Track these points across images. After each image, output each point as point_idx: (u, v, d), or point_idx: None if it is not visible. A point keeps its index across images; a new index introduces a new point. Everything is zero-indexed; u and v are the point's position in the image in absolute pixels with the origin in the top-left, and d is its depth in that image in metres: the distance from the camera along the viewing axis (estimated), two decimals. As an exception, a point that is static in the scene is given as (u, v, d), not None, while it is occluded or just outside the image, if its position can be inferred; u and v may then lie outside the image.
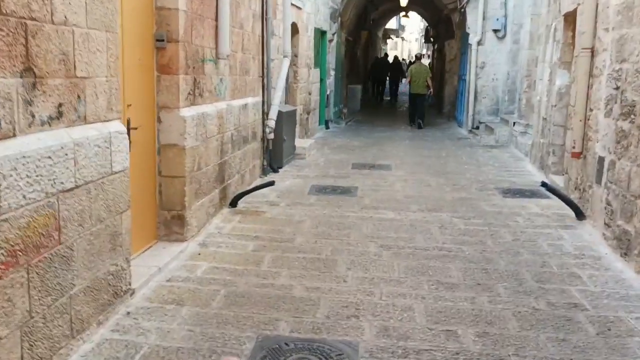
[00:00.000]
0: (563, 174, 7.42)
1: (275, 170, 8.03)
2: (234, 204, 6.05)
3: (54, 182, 2.84)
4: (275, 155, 8.18)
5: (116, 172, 3.49)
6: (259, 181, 7.38)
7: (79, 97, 3.11)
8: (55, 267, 2.87)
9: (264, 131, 7.64)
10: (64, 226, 2.93)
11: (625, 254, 4.72)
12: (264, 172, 7.73)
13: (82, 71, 3.13)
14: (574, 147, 6.16)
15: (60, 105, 2.94)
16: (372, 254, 4.87)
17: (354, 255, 4.80)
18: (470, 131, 13.06)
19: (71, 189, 3.00)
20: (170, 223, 4.78)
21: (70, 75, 3.02)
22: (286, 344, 3.31)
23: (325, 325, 3.54)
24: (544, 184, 6.11)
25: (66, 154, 2.94)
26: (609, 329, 3.62)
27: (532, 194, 7.13)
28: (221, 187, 5.80)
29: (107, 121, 3.42)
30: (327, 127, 13.37)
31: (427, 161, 9.52)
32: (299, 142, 9.51)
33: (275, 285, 4.13)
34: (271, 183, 6.29)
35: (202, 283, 4.12)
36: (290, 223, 5.67)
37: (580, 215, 5.91)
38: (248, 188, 6.31)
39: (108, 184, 3.40)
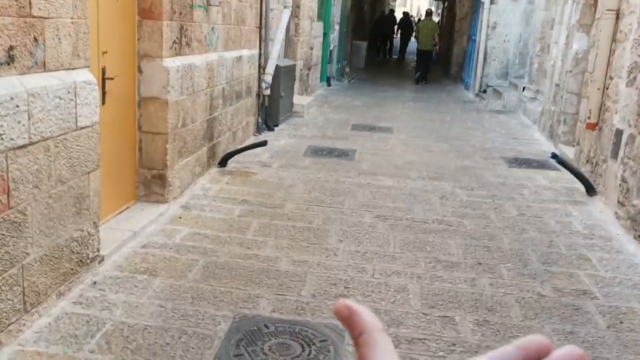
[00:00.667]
0: (574, 145, 7.03)
1: (270, 129, 7.63)
2: (223, 163, 5.68)
3: (2, 138, 2.47)
4: (271, 112, 7.77)
5: (82, 128, 3.11)
6: (252, 139, 6.99)
7: (35, 40, 2.70)
8: (3, 235, 2.52)
9: (259, 86, 7.20)
10: (14, 188, 2.57)
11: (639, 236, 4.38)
12: (259, 130, 7.34)
13: (41, 10, 2.72)
14: (589, 118, 5.75)
15: (11, 48, 2.53)
16: (367, 224, 4.53)
17: (347, 226, 4.46)
18: (477, 94, 12.58)
19: (24, 146, 2.62)
20: (150, 183, 4.42)
21: (25, 13, 2.61)
22: (266, 325, 3.00)
23: (310, 306, 3.22)
24: (554, 156, 5.74)
25: (17, 106, 2.55)
26: (621, 322, 3.31)
27: (539, 165, 6.76)
28: (209, 145, 5.42)
29: (73, 69, 3.02)
30: (329, 85, 12.88)
31: (431, 125, 9.11)
32: (298, 100, 9.07)
33: (260, 256, 3.80)
34: (263, 143, 5.91)
35: (180, 251, 3.79)
36: (281, 187, 5.32)
37: (591, 190, 5.55)
38: (239, 147, 5.93)
39: (72, 140, 3.02)
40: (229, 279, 3.45)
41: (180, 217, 4.36)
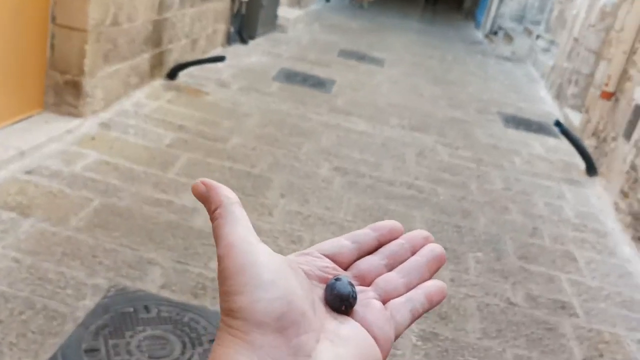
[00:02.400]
0: (581, 111, 6.20)
1: (244, 41, 6.68)
2: (172, 75, 4.81)
3: None
4: (248, 22, 6.78)
5: None
6: (219, 51, 6.06)
7: None
8: None
9: (236, -11, 6.19)
10: None
11: (640, 239, 3.67)
12: (229, 42, 6.39)
13: None
14: (606, 85, 4.89)
15: None
16: (321, 178, 3.76)
17: (296, 176, 3.69)
18: (487, 35, 11.52)
19: None
20: (62, 90, 3.57)
21: None
22: (146, 307, 2.28)
23: (215, 285, 2.50)
24: (557, 123, 4.93)
25: None
26: (601, 355, 2.64)
27: (539, 129, 5.95)
28: (155, 52, 4.52)
29: None
30: (328, 0, 11.71)
31: (428, 63, 8.16)
32: (285, 12, 8.03)
33: (174, 205, 3.04)
34: (220, 58, 5.00)
35: (75, 184, 3.01)
36: (233, 114, 4.48)
37: (591, 170, 4.79)
38: (194, 59, 5.02)
39: None
40: (122, 232, 2.70)
41: (93, 138, 3.55)
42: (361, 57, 7.47)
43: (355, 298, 0.40)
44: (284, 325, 0.36)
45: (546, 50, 9.33)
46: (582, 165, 4.90)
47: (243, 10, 6.54)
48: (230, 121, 4.32)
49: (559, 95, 7.13)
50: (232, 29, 6.36)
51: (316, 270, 0.42)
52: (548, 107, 6.96)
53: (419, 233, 0.46)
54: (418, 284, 0.44)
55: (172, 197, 3.09)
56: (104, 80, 3.79)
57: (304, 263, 0.43)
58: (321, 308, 0.40)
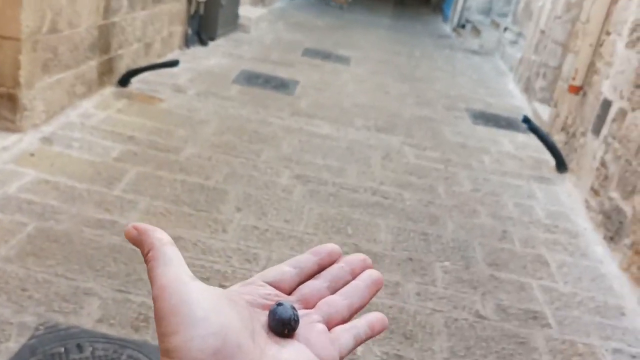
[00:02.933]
0: (550, 105, 6.10)
1: (203, 43, 6.44)
2: (124, 82, 4.56)
3: None
4: (207, 23, 6.55)
5: None
6: (176, 54, 5.82)
7: None
8: None
9: (192, -10, 5.95)
10: None
11: (612, 238, 3.55)
12: (187, 44, 6.15)
13: None
14: (573, 79, 4.78)
15: None
16: (281, 188, 3.56)
17: (254, 187, 3.49)
18: (454, 29, 11.43)
19: None
20: (-3, 104, 3.32)
21: None
22: (79, 345, 2.07)
23: (159, 315, 2.29)
24: (526, 119, 4.81)
25: None
26: (576, 370, 2.50)
27: (508, 125, 5.83)
28: (104, 59, 4.28)
29: None
30: (293, -3, 11.50)
31: (396, 60, 8.01)
32: (247, 11, 7.81)
33: (119, 226, 2.81)
34: (174, 63, 4.76)
35: (7, 208, 2.77)
36: (189, 122, 4.26)
37: (561, 166, 4.67)
38: (146, 65, 4.77)
39: None
40: (58, 260, 2.48)
41: (32, 155, 3.31)
42: (326, 56, 7.28)
43: (297, 321, 0.41)
44: (220, 359, 0.36)
45: (514, 43, 9.25)
46: (552, 161, 4.79)
47: (201, 11, 6.31)
48: (185, 129, 4.10)
49: (527, 89, 7.04)
50: (189, 31, 6.12)
51: (259, 298, 0.43)
52: (517, 101, 6.86)
53: (357, 256, 0.48)
54: (360, 306, 0.45)
55: (116, 217, 2.87)
56: (45, 91, 3.55)
57: (247, 293, 0.43)
58: (263, 335, 0.40)
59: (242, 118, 4.56)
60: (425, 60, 8.39)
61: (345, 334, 0.43)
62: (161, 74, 5.03)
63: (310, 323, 0.43)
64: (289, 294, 0.45)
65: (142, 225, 0.42)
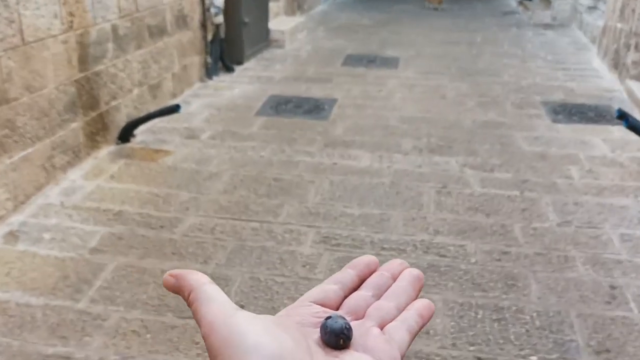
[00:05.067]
0: (650, 84, 4.91)
1: (229, 70, 5.74)
2: (124, 137, 3.92)
3: None
4: (231, 47, 5.85)
5: None
6: (196, 89, 5.15)
7: None
8: None
9: (204, 13, 5.25)
10: None
11: None
12: (209, 74, 5.46)
13: None
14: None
15: None
16: (302, 262, 2.74)
17: (265, 267, 2.69)
18: (520, 2, 10.15)
19: None
20: (-55, 202, 2.73)
21: None
22: None
23: None
24: (620, 114, 3.70)
25: None
26: None
27: (598, 116, 4.71)
28: (91, 117, 3.64)
29: None
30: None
31: (453, 51, 6.96)
32: (280, 23, 7.04)
33: (73, 361, 2.10)
34: (173, 108, 4.03)
35: None
36: (195, 179, 3.53)
37: (679, 170, 3.56)
38: (142, 116, 4.07)
39: None
40: None
41: (-11, 260, 2.68)
42: (371, 61, 6.38)
43: (349, 329, 0.41)
44: None
45: (593, 9, 7.93)
46: (665, 164, 3.68)
47: (221, 34, 5.60)
48: (189, 190, 3.37)
49: (616, 65, 5.82)
50: (209, 60, 5.43)
51: (308, 317, 0.43)
52: (605, 82, 5.66)
53: (394, 262, 0.49)
54: (407, 304, 0.45)
55: (71, 348, 2.16)
56: (6, 174, 2.92)
57: (295, 315, 0.43)
58: (320, 352, 0.40)
59: (261, 162, 3.78)
60: (488, 46, 7.28)
61: (399, 330, 0.43)
62: (173, 117, 4.36)
63: (364, 330, 0.42)
64: (336, 309, 0.45)
65: (178, 271, 0.42)
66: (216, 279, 2.45)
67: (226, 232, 2.96)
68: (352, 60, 6.39)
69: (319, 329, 0.41)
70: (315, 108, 4.83)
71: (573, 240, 2.94)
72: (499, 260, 2.78)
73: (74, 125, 3.45)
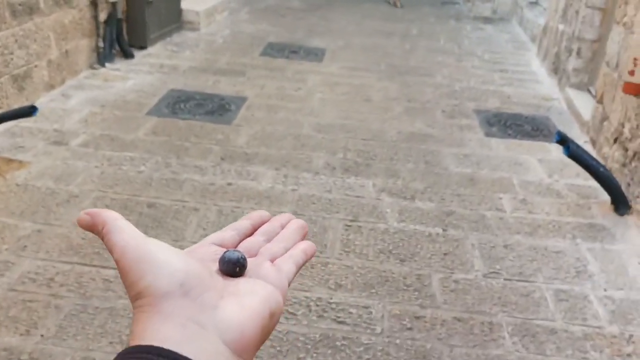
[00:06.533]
0: (591, 95, 4.51)
1: (127, 55, 4.97)
2: (-32, 143, 3.13)
3: None
4: (132, 28, 5.07)
5: None
6: (83, 78, 4.38)
7: None
8: None
9: (94, -11, 4.45)
10: None
11: None
12: (101, 61, 4.68)
13: None
14: (631, 72, 3.17)
15: None
16: None
17: (109, 339, 2.04)
18: (461, -8, 9.68)
19: None
20: None
21: None
22: None
23: None
24: (560, 138, 3.21)
25: None
26: None
27: (535, 130, 4.26)
28: None
29: None
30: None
31: (386, 44, 6.39)
32: (197, 2, 6.27)
33: None
34: (27, 112, 3.25)
35: None
36: (47, 203, 2.81)
37: (621, 205, 3.13)
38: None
39: None
40: None
41: None
42: (294, 51, 5.73)
43: (245, 259, 0.45)
44: (187, 289, 0.39)
45: (534, 4, 7.54)
46: (606, 195, 3.24)
47: (118, 14, 4.81)
48: (33, 221, 2.66)
49: (556, 69, 5.41)
50: (101, 43, 4.64)
51: (209, 254, 0.46)
52: (544, 88, 5.24)
53: (284, 214, 0.54)
54: (293, 247, 0.51)
55: None
56: None
57: (196, 253, 0.46)
58: (219, 279, 0.43)
59: (138, 180, 3.09)
60: (423, 39, 6.75)
61: (286, 263, 0.48)
62: (42, 115, 3.60)
63: (257, 264, 0.46)
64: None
65: (93, 210, 0.43)
66: (34, 359, 1.80)
67: (68, 285, 2.29)
68: (273, 49, 5.72)
69: (218, 262, 0.45)
70: (219, 108, 4.16)
71: (500, 300, 2.44)
72: (410, 329, 2.24)
73: None
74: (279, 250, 0.49)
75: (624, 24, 3.67)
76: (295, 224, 0.53)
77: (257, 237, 0.51)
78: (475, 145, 3.94)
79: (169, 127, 3.77)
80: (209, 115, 4.02)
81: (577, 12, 4.99)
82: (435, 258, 2.69)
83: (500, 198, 3.26)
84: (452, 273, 2.59)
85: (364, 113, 4.33)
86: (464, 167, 3.60)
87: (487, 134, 4.13)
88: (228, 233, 0.50)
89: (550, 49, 5.67)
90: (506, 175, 3.53)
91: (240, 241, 0.50)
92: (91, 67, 4.61)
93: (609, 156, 3.57)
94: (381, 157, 3.64)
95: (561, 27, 5.40)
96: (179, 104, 4.15)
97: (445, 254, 2.72)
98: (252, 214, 0.53)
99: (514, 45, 6.79)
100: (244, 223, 0.52)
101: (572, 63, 4.91)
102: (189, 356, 0.36)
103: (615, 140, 3.52)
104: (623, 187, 3.21)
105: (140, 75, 4.65)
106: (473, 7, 8.55)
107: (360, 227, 2.87)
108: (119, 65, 4.78)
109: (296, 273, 0.48)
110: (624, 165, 3.32)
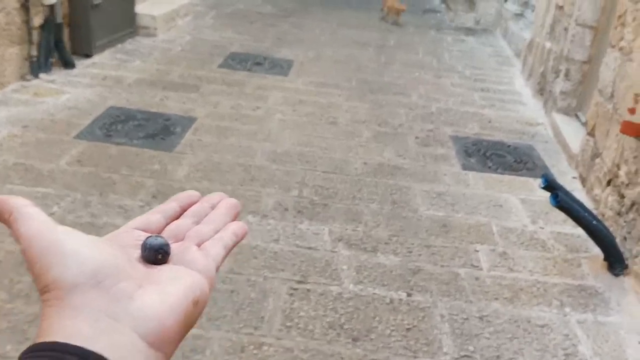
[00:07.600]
0: (581, 123, 4.09)
1: (68, 64, 4.43)
2: None
3: None
4: (76, 34, 4.55)
5: None
6: (10, 91, 3.85)
7: None
8: None
9: (23, -10, 3.91)
10: None
11: None
12: (34, 71, 4.14)
13: None
14: (632, 110, 2.73)
15: None
16: None
17: None
18: (444, 0, 9.26)
19: None
20: None
21: None
22: None
23: None
24: (547, 185, 2.77)
25: None
26: None
27: (517, 162, 3.82)
28: None
29: None
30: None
31: (359, 56, 5.92)
32: (155, 5, 5.73)
33: None
34: None
35: None
36: None
37: (616, 263, 2.69)
38: None
39: None
40: None
41: None
42: (258, 63, 5.23)
43: (168, 246, 0.42)
44: (99, 279, 0.36)
45: (519, 16, 7.13)
46: (598, 250, 2.80)
47: (58, 18, 4.28)
48: None
49: (542, 90, 4.98)
50: (35, 52, 4.11)
51: (131, 241, 0.43)
52: (528, 111, 4.81)
53: (214, 194, 0.50)
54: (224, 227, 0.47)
55: None
56: None
57: (117, 240, 0.43)
58: (140, 266, 0.40)
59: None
60: (401, 51, 6.29)
61: (215, 246, 0.45)
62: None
63: (183, 249, 0.43)
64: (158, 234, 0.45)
65: (0, 196, 0.39)
66: None
67: None
68: (235, 60, 5.21)
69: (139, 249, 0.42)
70: (162, 130, 3.65)
71: (472, 396, 1.97)
72: None
73: None
74: (208, 232, 0.47)
75: (621, 49, 3.24)
76: (226, 204, 0.50)
77: (185, 220, 0.48)
78: (451, 180, 3.47)
79: (97, 155, 3.25)
80: (148, 139, 3.51)
81: (565, 29, 4.57)
82: (396, 335, 2.21)
83: (477, 250, 2.80)
84: (415, 358, 2.12)
85: (327, 139, 3.84)
86: (437, 209, 3.13)
87: (465, 167, 3.68)
88: (154, 216, 0.47)
89: (536, 68, 5.24)
90: (484, 220, 3.07)
91: (167, 224, 0.47)
92: (23, 78, 4.07)
93: (601, 199, 3.13)
94: (342, 194, 3.16)
95: (548, 44, 4.97)
96: (116, 124, 3.64)
97: (408, 329, 2.25)
98: (179, 195, 0.50)
99: (497, 61, 6.36)
100: (171, 205, 0.49)
101: (560, 85, 4.48)
102: (100, 352, 0.34)
103: (609, 183, 3.08)
104: (618, 240, 2.77)
105: (79, 88, 4.12)
106: (455, 16, 8.12)
107: (308, 291, 2.39)
108: (56, 77, 4.25)
109: (225, 256, 0.45)
110: (619, 214, 2.88)
